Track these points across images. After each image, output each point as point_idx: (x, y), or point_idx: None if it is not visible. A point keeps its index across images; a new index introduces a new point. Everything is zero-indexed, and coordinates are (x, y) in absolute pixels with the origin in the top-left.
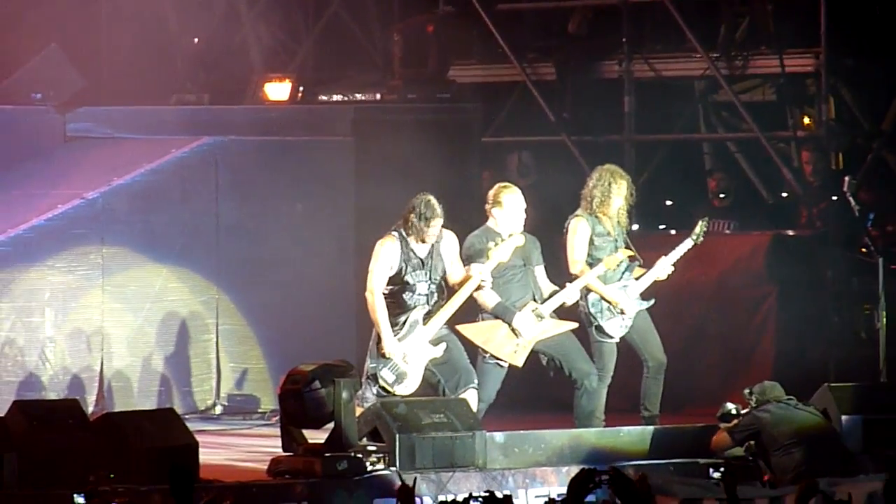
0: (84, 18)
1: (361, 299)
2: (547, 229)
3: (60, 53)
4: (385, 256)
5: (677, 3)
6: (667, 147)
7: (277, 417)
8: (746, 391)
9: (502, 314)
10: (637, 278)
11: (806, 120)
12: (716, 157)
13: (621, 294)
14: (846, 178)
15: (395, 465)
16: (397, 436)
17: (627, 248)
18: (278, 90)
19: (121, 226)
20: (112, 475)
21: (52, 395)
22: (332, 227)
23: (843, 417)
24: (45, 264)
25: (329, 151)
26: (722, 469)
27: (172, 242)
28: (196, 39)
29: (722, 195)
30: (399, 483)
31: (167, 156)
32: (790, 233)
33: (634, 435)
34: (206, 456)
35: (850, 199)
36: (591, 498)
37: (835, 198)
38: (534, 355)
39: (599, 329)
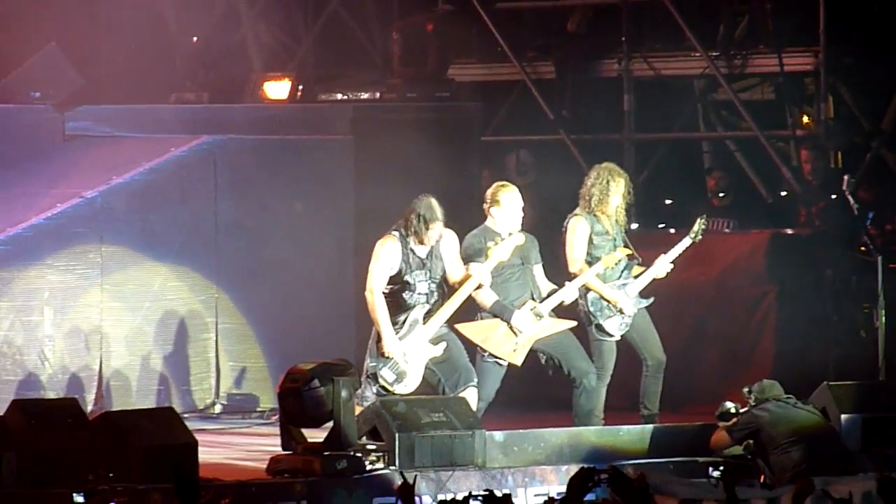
0: (83, 17)
1: (361, 298)
2: (546, 228)
3: (59, 52)
4: (385, 256)
5: (677, 1)
6: (666, 146)
7: (277, 416)
8: (745, 390)
9: (501, 313)
10: (636, 277)
11: (805, 119)
12: (715, 156)
13: (620, 293)
14: (845, 177)
15: (394, 464)
16: (397, 434)
17: (626, 246)
18: (278, 89)
19: (120, 225)
20: (111, 474)
21: (51, 394)
22: (332, 225)
23: (843, 416)
24: (43, 263)
25: (328, 150)
26: (721, 468)
27: (171, 241)
28: (195, 38)
29: (721, 194)
30: (399, 482)
31: (166, 155)
32: (789, 232)
33: (634, 434)
34: (205, 455)
35: (850, 197)
36: (590, 497)
37: (834, 196)
38: (533, 354)
39: (599, 328)
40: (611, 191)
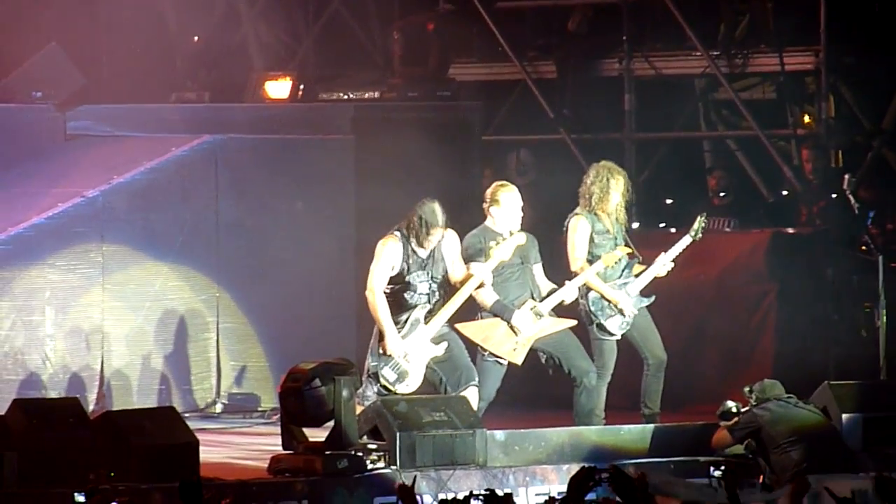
0: (83, 17)
1: (362, 297)
2: (546, 228)
3: (60, 51)
4: (387, 256)
5: (677, 1)
6: (667, 145)
7: (278, 415)
8: (746, 389)
9: (501, 312)
10: (637, 276)
11: (806, 118)
12: (716, 155)
13: (621, 293)
14: (846, 176)
15: (395, 464)
16: (398, 434)
17: (627, 245)
18: (278, 88)
19: (121, 224)
20: (112, 473)
21: (52, 394)
22: (333, 224)
23: (844, 415)
24: (45, 263)
25: (329, 150)
26: (722, 467)
27: (172, 241)
28: (196, 38)
29: (722, 193)
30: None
31: (167, 154)
32: (790, 231)
33: (635, 433)
34: (206, 454)
35: (850, 197)
36: (591, 496)
37: (835, 196)
38: (533, 353)
39: (600, 327)
40: (611, 188)
